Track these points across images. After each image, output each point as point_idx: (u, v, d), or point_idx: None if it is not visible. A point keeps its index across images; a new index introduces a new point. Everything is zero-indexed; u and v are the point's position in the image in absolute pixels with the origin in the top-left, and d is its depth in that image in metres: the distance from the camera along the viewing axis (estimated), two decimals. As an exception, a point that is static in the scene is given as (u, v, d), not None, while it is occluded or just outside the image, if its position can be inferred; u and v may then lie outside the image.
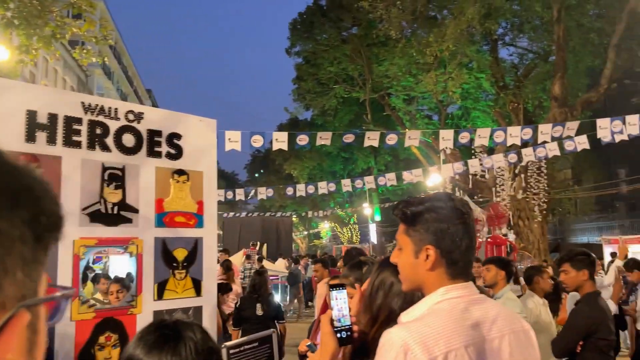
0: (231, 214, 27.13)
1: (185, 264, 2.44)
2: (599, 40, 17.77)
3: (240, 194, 12.77)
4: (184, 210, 2.46)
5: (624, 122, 7.05)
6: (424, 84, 19.06)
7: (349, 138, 7.84)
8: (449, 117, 25.88)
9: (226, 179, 53.25)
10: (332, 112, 28.64)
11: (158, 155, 2.41)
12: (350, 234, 39.77)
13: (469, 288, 1.28)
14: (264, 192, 13.12)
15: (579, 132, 9.09)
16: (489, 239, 9.04)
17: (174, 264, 2.41)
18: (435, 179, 22.17)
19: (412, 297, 1.32)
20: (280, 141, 7.23)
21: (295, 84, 28.81)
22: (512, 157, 9.43)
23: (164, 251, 2.38)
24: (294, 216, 44.24)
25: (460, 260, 1.27)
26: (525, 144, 11.57)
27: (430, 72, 18.17)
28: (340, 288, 1.49)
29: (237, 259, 14.28)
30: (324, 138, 7.71)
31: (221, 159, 63.94)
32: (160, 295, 2.34)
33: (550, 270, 10.00)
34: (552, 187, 19.69)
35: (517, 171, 17.69)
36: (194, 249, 2.48)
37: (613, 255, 14.30)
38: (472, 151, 18.23)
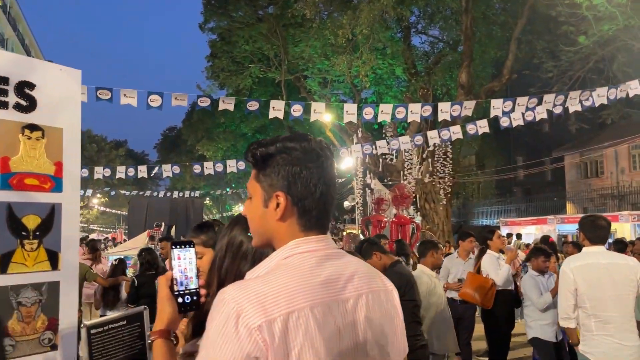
0: (134, 192, 25.81)
1: (37, 233, 2.11)
2: (502, 33, 18.69)
3: (142, 171, 12.05)
4: (37, 172, 2.12)
5: (514, 103, 7.46)
6: (338, 67, 19.09)
7: (252, 106, 7.63)
8: (363, 102, 26.28)
9: (135, 159, 50.90)
10: (247, 92, 28.07)
11: (3, 106, 2.05)
12: (264, 217, 39.46)
13: (325, 241, 1.12)
14: (169, 170, 12.48)
15: (481, 118, 9.49)
16: (394, 219, 9.23)
17: (23, 233, 2.07)
18: (347, 162, 22.51)
19: (261, 257, 1.14)
20: (180, 99, 6.96)
21: (209, 61, 27.89)
22: (418, 139, 9.68)
23: (10, 218, 2.03)
24: (207, 198, 43.24)
25: (314, 208, 1.10)
26: (432, 128, 11.96)
27: (345, 54, 18.22)
28: (186, 246, 1.28)
29: (141, 240, 13.67)
30: (227, 102, 7.45)
31: (130, 138, 61.03)
32: (4, 269, 2.01)
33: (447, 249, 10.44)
34: (457, 171, 20.65)
35: (424, 156, 18.32)
36: (50, 216, 2.15)
37: (509, 235, 15.25)
38: (383, 134, 18.63)
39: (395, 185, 11.76)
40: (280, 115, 7.59)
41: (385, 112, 7.55)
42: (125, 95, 6.53)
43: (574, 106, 7.71)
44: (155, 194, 28.46)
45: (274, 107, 7.50)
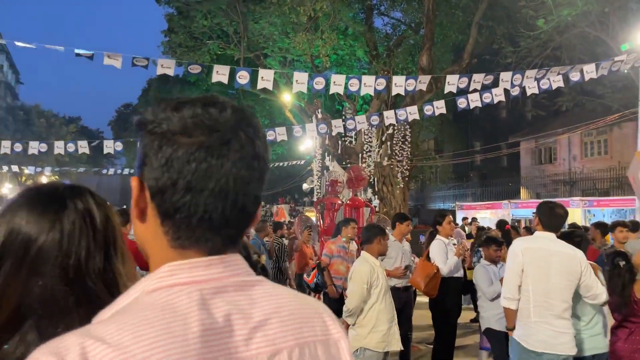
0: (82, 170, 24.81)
1: None
2: (463, 17, 18.64)
3: (83, 147, 11.31)
4: None
5: (470, 80, 7.30)
6: (299, 45, 18.66)
7: (194, 69, 7.24)
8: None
9: (89, 136, 49.20)
10: (205, 70, 27.29)
11: None
12: (222, 198, 39.05)
13: (220, 266, 0.72)
14: (111, 146, 11.82)
15: (439, 101, 9.31)
16: (348, 202, 8.99)
17: None
18: (307, 143, 22.23)
19: (80, 267, 0.75)
20: (113, 58, 6.63)
21: (166, 36, 26.96)
22: (375, 119, 9.44)
23: None
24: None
25: (184, 209, 0.70)
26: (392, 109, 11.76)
27: (305, 33, 17.82)
28: None
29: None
30: (165, 67, 7.01)
31: (84, 115, 58.91)
32: None
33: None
34: (415, 155, 20.66)
35: (383, 139, 18.22)
36: None
37: (464, 219, 15.34)
38: (343, 116, 18.40)
39: (350, 167, 11.51)
40: (225, 80, 7.17)
41: (337, 83, 7.24)
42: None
43: (531, 88, 7.60)
44: (105, 171, 27.44)
45: (217, 72, 7.08)
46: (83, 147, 11.09)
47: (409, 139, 18.52)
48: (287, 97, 21.15)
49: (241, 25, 22.82)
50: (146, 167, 0.71)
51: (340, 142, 18.47)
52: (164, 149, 0.69)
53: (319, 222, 9.42)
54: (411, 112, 8.44)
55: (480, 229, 8.86)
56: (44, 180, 38.37)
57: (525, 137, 26.65)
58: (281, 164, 27.42)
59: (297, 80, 7.25)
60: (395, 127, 17.61)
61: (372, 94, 8.03)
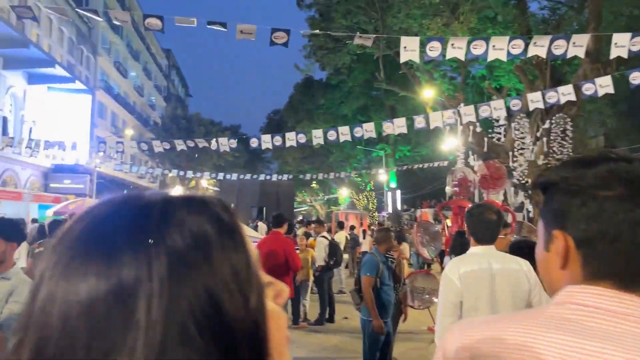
0: (233, 176, 25.87)
1: None
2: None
3: (229, 144, 11.30)
4: None
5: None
6: (431, 30, 17.26)
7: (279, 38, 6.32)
8: (470, 77, 23.94)
9: (245, 143, 52.21)
10: (345, 71, 27.28)
11: None
12: (366, 201, 38.56)
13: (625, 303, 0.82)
14: (226, 143, 11.62)
15: (604, 77, 7.33)
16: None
17: None
18: (450, 142, 20.67)
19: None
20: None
21: (309, 40, 27.49)
22: (516, 103, 7.78)
23: None
24: (314, 182, 43.32)
25: (610, 255, 0.83)
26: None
27: (440, 17, 16.47)
28: None
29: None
30: (245, 32, 6.14)
31: (242, 121, 63.25)
32: None
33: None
34: (579, 152, 17.86)
35: (538, 134, 16.05)
36: None
37: None
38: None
39: (485, 162, 9.84)
40: (415, 58, 5.92)
41: (457, 46, 5.76)
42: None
43: None
44: (250, 176, 28.56)
45: (405, 47, 5.79)
46: (232, 144, 11.28)
47: (570, 134, 16.03)
48: (428, 93, 19.93)
49: (380, 21, 22.22)
50: (569, 221, 0.82)
51: (486, 139, 16.65)
52: (589, 204, 0.79)
53: (443, 229, 8.08)
54: (564, 93, 6.67)
55: None
56: (204, 183, 41.48)
57: None
58: (422, 165, 26.07)
59: (405, 47, 5.89)
60: (553, 121, 15.48)
61: (504, 58, 6.11)
